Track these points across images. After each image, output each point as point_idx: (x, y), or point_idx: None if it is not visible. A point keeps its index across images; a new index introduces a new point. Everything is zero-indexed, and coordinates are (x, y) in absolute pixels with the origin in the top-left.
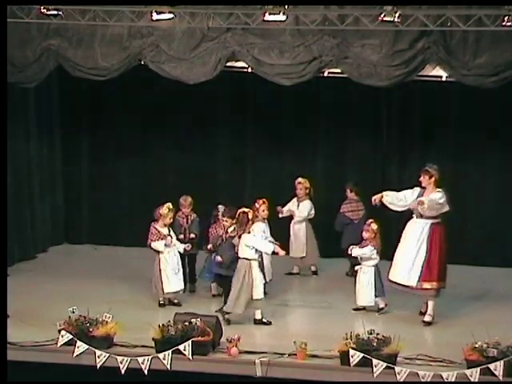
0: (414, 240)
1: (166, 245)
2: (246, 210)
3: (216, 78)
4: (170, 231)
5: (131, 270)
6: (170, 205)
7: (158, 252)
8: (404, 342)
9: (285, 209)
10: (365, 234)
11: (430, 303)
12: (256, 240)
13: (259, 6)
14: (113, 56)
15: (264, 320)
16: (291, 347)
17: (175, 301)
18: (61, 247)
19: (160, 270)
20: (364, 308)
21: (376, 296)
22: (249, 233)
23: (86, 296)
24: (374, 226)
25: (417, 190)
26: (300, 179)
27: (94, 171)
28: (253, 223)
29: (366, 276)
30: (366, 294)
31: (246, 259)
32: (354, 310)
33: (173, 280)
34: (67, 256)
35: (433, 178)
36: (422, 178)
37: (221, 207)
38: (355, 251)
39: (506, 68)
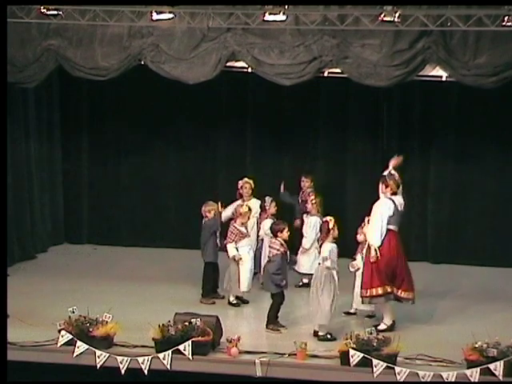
0: None
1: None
2: (327, 218)
3: (216, 78)
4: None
5: (131, 270)
6: (249, 204)
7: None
8: (404, 342)
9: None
10: (359, 237)
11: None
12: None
13: (259, 5)
14: (113, 56)
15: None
16: (291, 347)
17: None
18: (61, 247)
19: (239, 269)
20: (355, 313)
21: None
22: (331, 242)
23: (86, 296)
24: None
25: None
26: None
27: (94, 171)
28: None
29: (358, 279)
30: (357, 298)
31: (328, 268)
32: (345, 313)
33: (250, 279)
34: (67, 256)
35: (388, 188)
36: (380, 186)
37: (268, 198)
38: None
39: (505, 68)
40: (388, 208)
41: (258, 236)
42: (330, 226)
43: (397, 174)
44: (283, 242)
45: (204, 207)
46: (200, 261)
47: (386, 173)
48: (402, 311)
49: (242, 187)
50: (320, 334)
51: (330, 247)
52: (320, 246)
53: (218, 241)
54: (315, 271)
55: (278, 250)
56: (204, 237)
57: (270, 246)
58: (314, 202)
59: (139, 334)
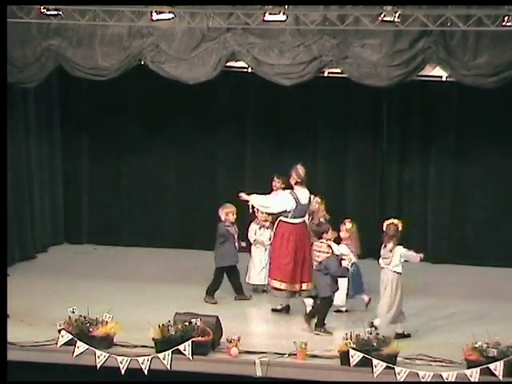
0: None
1: None
2: (394, 221)
3: (216, 78)
4: None
5: (131, 270)
6: (317, 199)
7: None
8: (404, 342)
9: None
10: (341, 233)
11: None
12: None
13: (259, 5)
14: (113, 56)
15: (405, 333)
16: (291, 347)
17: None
18: (61, 247)
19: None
20: (346, 310)
21: (356, 294)
22: (400, 244)
23: (86, 296)
24: (348, 226)
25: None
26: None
27: (94, 171)
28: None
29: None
30: (340, 294)
31: (397, 273)
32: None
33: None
34: (67, 256)
35: (291, 178)
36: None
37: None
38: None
39: (506, 68)
40: (286, 200)
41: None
42: (399, 228)
43: (302, 168)
44: (329, 244)
45: (221, 209)
46: (200, 261)
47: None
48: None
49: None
50: (397, 331)
51: (402, 251)
52: (383, 248)
53: (235, 244)
54: (382, 273)
55: (327, 252)
56: (219, 240)
57: (316, 250)
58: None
59: (139, 334)
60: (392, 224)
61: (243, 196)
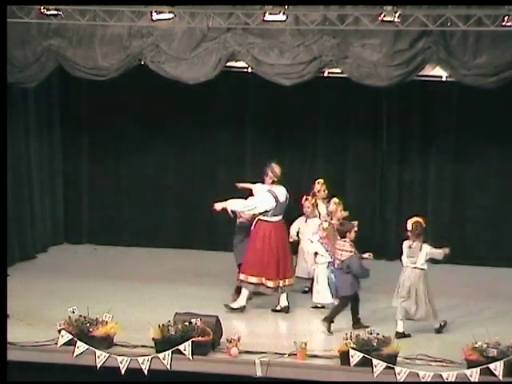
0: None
1: None
2: (418, 219)
3: (216, 78)
4: None
5: (131, 270)
6: (335, 199)
7: None
8: (404, 342)
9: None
10: (318, 232)
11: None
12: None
13: (259, 6)
14: (113, 56)
15: (405, 333)
16: (291, 347)
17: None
18: (61, 247)
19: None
20: (323, 307)
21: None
22: (424, 242)
23: (86, 296)
24: (325, 225)
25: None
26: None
27: (94, 171)
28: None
29: (319, 275)
30: (323, 293)
31: (423, 269)
32: (313, 307)
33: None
34: (67, 256)
35: (268, 177)
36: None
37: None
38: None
39: (506, 68)
40: (267, 199)
41: None
42: (423, 225)
43: (278, 167)
44: (352, 243)
45: None
46: (199, 261)
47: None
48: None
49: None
50: (435, 327)
51: (427, 249)
52: (409, 247)
53: None
54: (406, 272)
55: (350, 251)
56: (237, 238)
57: (339, 249)
58: (314, 204)
59: (139, 334)
60: (417, 222)
61: (217, 207)
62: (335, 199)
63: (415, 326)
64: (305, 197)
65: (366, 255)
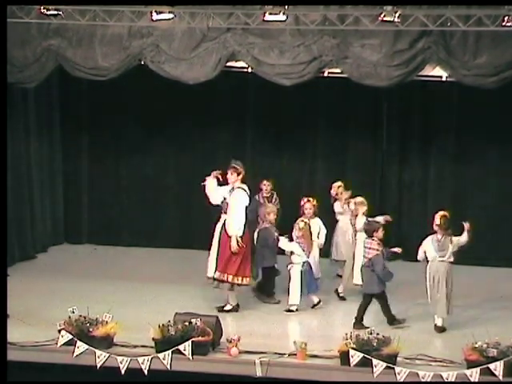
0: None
1: None
2: (445, 213)
3: (216, 78)
4: None
5: (131, 270)
6: (339, 183)
7: None
8: (404, 342)
9: None
10: (294, 232)
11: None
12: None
13: (259, 5)
14: (113, 56)
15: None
16: (291, 347)
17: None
18: (61, 247)
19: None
20: (297, 309)
21: (308, 293)
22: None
23: (86, 296)
24: (301, 225)
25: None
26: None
27: (94, 171)
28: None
29: (293, 274)
30: (294, 293)
31: (451, 262)
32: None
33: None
34: (67, 256)
35: (240, 175)
36: (229, 176)
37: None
38: (282, 243)
39: (506, 68)
40: (247, 199)
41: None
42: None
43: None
44: (380, 242)
45: (264, 209)
46: (199, 261)
47: (233, 162)
48: (403, 311)
49: (337, 193)
50: (438, 324)
51: (456, 240)
52: (438, 242)
53: (276, 244)
54: (434, 266)
55: (377, 249)
56: (262, 241)
57: (367, 247)
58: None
59: (139, 334)
60: (444, 216)
61: (234, 246)
62: (339, 183)
63: (415, 326)
64: (306, 199)
65: (395, 249)
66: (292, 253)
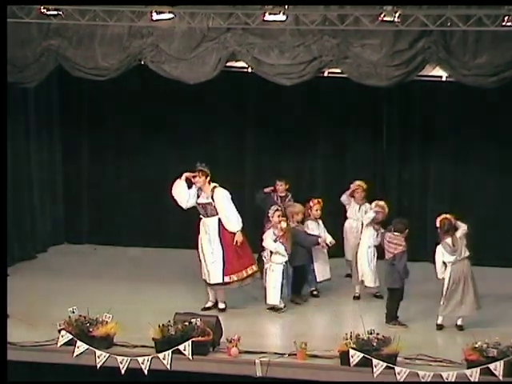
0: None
1: None
2: (447, 215)
3: (216, 78)
4: None
5: (131, 270)
6: (359, 182)
7: None
8: (404, 342)
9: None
10: (275, 231)
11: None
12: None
13: (259, 5)
14: (113, 56)
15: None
16: (291, 347)
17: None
18: (61, 247)
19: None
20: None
21: (288, 294)
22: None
23: (86, 296)
24: (283, 225)
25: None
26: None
27: (94, 171)
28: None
29: (273, 274)
30: (274, 293)
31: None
32: (268, 309)
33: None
34: (67, 256)
35: (208, 177)
36: (197, 179)
37: (273, 207)
38: (266, 242)
39: (506, 68)
40: (227, 192)
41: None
42: (452, 221)
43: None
44: (405, 238)
45: (292, 208)
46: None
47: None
48: (403, 311)
49: (354, 191)
50: (459, 323)
51: (459, 233)
52: (449, 246)
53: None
54: (456, 268)
55: (403, 245)
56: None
57: (392, 242)
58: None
59: (139, 334)
60: (444, 219)
61: (240, 239)
62: (360, 182)
63: (415, 326)
64: (316, 200)
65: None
66: (272, 252)
